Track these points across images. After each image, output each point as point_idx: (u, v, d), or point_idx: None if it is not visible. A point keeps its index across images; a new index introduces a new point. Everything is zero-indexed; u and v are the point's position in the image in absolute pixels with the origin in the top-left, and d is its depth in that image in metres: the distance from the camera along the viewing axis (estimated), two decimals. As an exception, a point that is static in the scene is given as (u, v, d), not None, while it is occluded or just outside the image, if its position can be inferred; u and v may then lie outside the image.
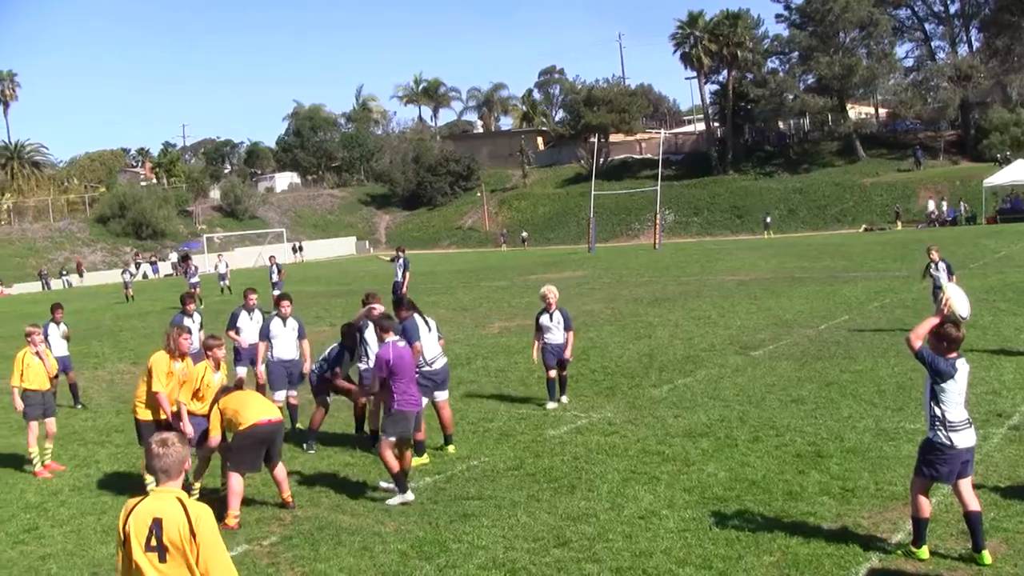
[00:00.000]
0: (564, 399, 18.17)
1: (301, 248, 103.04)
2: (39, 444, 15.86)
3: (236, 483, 12.20)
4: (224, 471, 12.80)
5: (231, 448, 12.62)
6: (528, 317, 31.62)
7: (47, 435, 16.11)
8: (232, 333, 19.12)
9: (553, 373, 18.11)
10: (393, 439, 12.67)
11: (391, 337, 13.19)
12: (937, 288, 23.68)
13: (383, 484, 13.14)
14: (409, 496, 12.59)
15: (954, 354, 9.57)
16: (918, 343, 9.52)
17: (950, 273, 24.06)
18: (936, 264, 24.47)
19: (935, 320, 9.66)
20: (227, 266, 56.53)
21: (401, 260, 36.26)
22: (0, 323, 45.79)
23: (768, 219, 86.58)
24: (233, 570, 5.97)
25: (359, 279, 57.04)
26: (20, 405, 15.75)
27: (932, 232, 70.40)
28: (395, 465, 12.55)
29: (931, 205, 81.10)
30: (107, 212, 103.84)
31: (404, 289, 34.67)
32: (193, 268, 53.61)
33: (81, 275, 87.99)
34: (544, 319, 18.05)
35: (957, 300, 9.99)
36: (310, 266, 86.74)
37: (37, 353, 16.07)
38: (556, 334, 17.94)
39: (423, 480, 13.57)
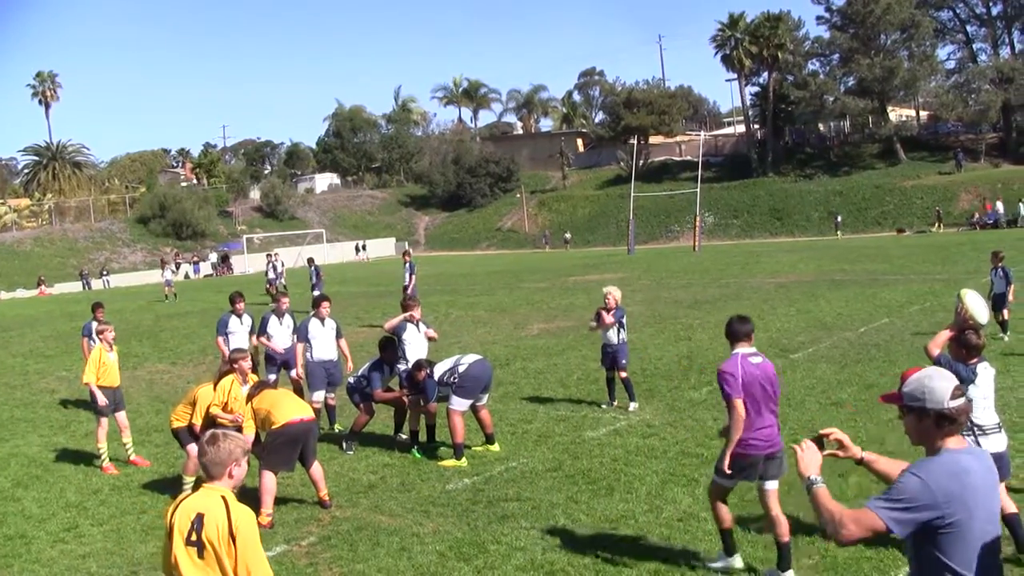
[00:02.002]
0: (633, 405, 17.80)
1: (365, 247, 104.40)
2: (108, 440, 16.17)
3: (269, 481, 12.27)
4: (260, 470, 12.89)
5: (264, 447, 12.70)
6: (568, 319, 31.76)
7: (121, 428, 16.44)
8: (263, 339, 19.08)
9: (610, 374, 18.10)
10: (728, 485, 9.91)
11: (743, 348, 9.86)
12: (996, 295, 23.44)
13: (713, 565, 9.93)
14: (736, 562, 9.91)
15: (975, 360, 9.71)
16: (936, 351, 9.88)
17: (1008, 282, 23.44)
18: (997, 269, 23.82)
19: (951, 331, 9.99)
20: (283, 265, 55.38)
21: (408, 263, 35.64)
22: (42, 323, 46.14)
23: (839, 219, 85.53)
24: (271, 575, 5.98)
25: (399, 280, 57.06)
26: (103, 400, 15.99)
27: (972, 235, 69.86)
28: (725, 519, 9.90)
29: (1000, 207, 79.70)
30: (147, 212, 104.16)
31: (411, 291, 34.38)
32: (273, 266, 52.46)
33: (165, 269, 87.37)
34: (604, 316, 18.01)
35: (974, 307, 10.08)
36: (349, 267, 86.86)
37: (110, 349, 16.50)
38: (609, 337, 17.90)
39: (461, 481, 13.59)
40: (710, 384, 19.60)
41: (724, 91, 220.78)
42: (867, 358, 21.39)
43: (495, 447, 15.19)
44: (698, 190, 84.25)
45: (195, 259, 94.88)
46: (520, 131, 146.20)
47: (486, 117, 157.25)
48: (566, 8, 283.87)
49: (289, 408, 12.54)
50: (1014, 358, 19.61)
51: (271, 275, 51.15)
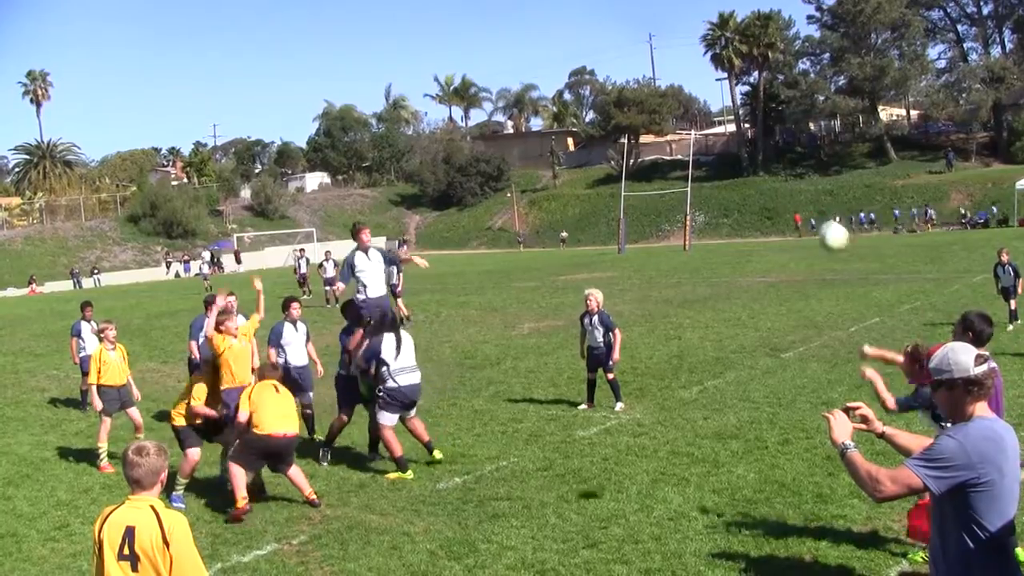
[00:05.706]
0: (619, 405, 17.66)
1: (405, 242, 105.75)
2: (112, 440, 16.16)
3: (237, 471, 12.34)
4: (223, 458, 12.88)
5: (240, 441, 12.67)
6: (558, 318, 31.72)
7: (136, 427, 16.60)
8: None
9: (592, 375, 18.04)
10: None
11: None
12: (1004, 288, 24.71)
13: None
14: None
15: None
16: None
17: (1017, 276, 24.45)
18: (1004, 266, 24.77)
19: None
20: (308, 263, 52.81)
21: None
22: (33, 321, 46.05)
23: (854, 218, 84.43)
24: None
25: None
26: (100, 404, 16.00)
27: (964, 234, 69.95)
28: None
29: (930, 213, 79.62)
30: (138, 211, 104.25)
31: (400, 290, 34.34)
32: (305, 260, 51.20)
33: (201, 264, 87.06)
34: (585, 322, 17.96)
35: (833, 238, 10.10)
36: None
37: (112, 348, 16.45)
38: (595, 338, 17.79)
39: (452, 480, 13.56)
40: (700, 384, 19.63)
41: (714, 90, 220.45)
42: (857, 357, 21.35)
43: (437, 454, 14.51)
44: (688, 189, 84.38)
45: (185, 258, 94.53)
46: (510, 130, 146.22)
47: (477, 116, 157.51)
48: (556, 7, 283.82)
49: (275, 420, 12.51)
50: (1006, 357, 19.62)
51: (303, 269, 50.63)
